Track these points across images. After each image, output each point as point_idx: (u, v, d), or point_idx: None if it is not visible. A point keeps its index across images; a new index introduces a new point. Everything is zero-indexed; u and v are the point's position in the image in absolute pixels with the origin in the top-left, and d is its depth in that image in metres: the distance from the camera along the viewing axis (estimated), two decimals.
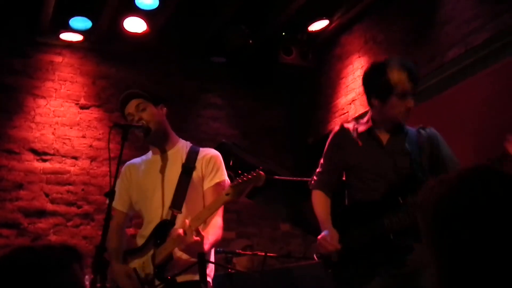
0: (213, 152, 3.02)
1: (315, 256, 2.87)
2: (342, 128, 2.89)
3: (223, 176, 2.93)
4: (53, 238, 5.36)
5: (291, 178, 3.98)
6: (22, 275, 1.31)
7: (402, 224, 2.55)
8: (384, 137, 2.79)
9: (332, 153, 2.89)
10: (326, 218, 2.80)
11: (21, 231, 5.29)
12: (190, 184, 2.88)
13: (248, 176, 2.58)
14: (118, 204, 3.02)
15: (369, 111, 2.88)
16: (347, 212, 2.83)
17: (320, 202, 2.89)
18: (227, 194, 2.63)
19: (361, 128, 2.83)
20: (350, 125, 2.89)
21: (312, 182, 2.95)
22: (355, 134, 2.83)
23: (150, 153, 3.11)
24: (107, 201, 2.90)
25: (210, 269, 2.88)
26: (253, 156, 4.20)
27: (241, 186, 2.60)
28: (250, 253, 3.99)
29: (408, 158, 2.70)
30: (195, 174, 2.90)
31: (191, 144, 3.08)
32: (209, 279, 2.84)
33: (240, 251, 3.95)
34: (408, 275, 2.59)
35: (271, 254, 4.10)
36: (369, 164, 2.74)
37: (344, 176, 2.93)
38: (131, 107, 3.04)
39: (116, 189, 2.80)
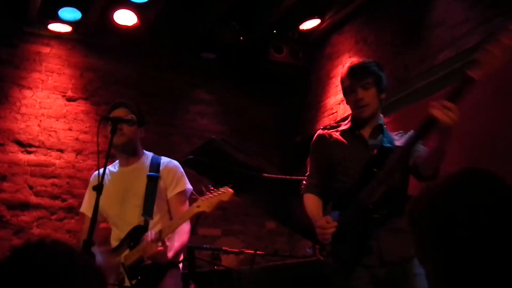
0: (173, 163, 3.25)
1: (307, 249, 2.92)
2: (321, 132, 3.02)
3: (185, 185, 3.18)
4: (36, 231, 5.29)
5: (280, 176, 3.96)
6: (41, 271, 1.17)
7: (376, 191, 2.63)
8: (366, 133, 2.89)
9: (315, 156, 3.01)
10: (318, 213, 2.86)
11: (4, 223, 5.21)
12: (157, 192, 3.12)
13: (218, 192, 2.85)
14: (88, 211, 3.21)
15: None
16: (333, 204, 2.87)
17: (311, 203, 2.95)
18: (198, 206, 2.87)
19: (343, 128, 2.94)
20: (328, 130, 3.01)
21: (303, 187, 3.04)
22: (336, 134, 2.93)
23: (116, 165, 3.31)
24: (82, 205, 3.33)
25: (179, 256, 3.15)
26: (242, 153, 4.17)
27: (211, 200, 2.84)
28: (237, 250, 3.98)
29: (387, 140, 2.80)
30: (161, 183, 3.15)
31: (152, 154, 3.30)
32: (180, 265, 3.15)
33: (227, 248, 3.94)
34: (396, 265, 2.63)
35: (260, 252, 4.09)
36: (353, 156, 2.82)
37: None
38: (117, 113, 3.18)
39: (86, 196, 3.23)
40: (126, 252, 3.01)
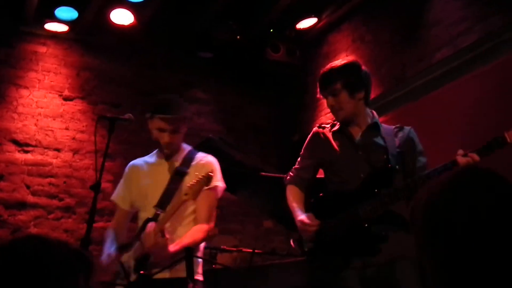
0: (208, 158, 3.13)
1: (291, 241, 2.96)
2: (316, 129, 3.07)
3: (217, 181, 3.03)
4: (33, 230, 5.27)
5: (277, 175, 3.96)
6: (24, 266, 1.21)
7: (376, 212, 2.66)
8: (357, 131, 2.91)
9: (307, 152, 3.06)
10: (300, 207, 2.92)
11: (1, 223, 5.20)
12: (180, 187, 2.96)
13: (200, 178, 2.78)
14: (121, 201, 3.18)
15: None
16: (320, 203, 2.91)
17: (293, 194, 3.01)
18: (185, 194, 2.80)
19: (335, 129, 2.98)
20: (324, 127, 3.05)
21: (288, 177, 3.10)
22: (329, 134, 2.97)
23: (154, 155, 3.21)
24: (113, 194, 3.25)
25: (198, 266, 2.97)
26: (240, 151, 4.18)
27: (195, 187, 2.78)
28: (235, 249, 3.97)
29: (383, 151, 2.80)
30: (187, 179, 2.98)
31: (190, 148, 3.18)
32: (199, 277, 2.95)
33: (225, 247, 3.94)
34: (383, 266, 2.64)
35: (258, 251, 4.09)
36: (342, 157, 2.86)
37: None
38: (167, 126, 3.01)
39: (120, 187, 3.12)
40: (137, 245, 2.91)
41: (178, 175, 3.02)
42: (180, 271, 2.77)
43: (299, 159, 3.10)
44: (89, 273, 1.29)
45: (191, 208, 3.01)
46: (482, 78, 4.41)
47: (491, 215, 1.12)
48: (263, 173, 3.85)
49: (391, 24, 5.42)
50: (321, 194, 2.93)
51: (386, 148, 2.79)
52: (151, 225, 2.84)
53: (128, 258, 2.92)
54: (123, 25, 5.69)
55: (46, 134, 5.62)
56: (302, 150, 3.10)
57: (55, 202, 5.49)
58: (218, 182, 3.06)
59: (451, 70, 4.72)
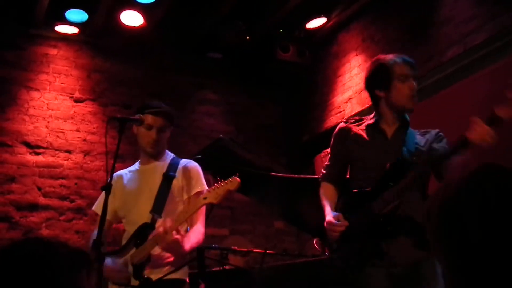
0: (192, 163, 3.23)
1: (314, 242, 2.94)
2: (343, 125, 3.00)
3: (203, 186, 3.12)
4: (45, 232, 5.31)
5: (287, 175, 3.96)
6: (28, 268, 1.24)
7: (388, 203, 2.62)
8: (390, 130, 2.85)
9: (336, 148, 3.00)
10: (330, 206, 2.87)
11: (13, 224, 5.23)
12: (170, 191, 3.08)
13: (224, 182, 2.76)
14: (99, 211, 3.09)
15: (374, 112, 2.96)
16: (344, 202, 2.89)
17: (325, 192, 2.97)
18: (204, 198, 2.80)
19: (367, 123, 2.92)
20: (350, 124, 2.98)
21: (321, 175, 3.06)
22: (360, 129, 2.91)
23: (137, 164, 3.30)
24: (95, 205, 3.30)
25: (185, 270, 3.03)
26: (250, 152, 4.17)
27: (218, 191, 2.75)
28: (246, 250, 3.97)
29: (408, 148, 2.76)
30: (175, 182, 3.10)
31: (173, 156, 3.27)
32: (185, 277, 3.02)
33: (236, 247, 3.94)
34: (409, 266, 2.61)
35: (270, 252, 4.08)
36: (373, 155, 2.81)
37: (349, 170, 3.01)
38: (157, 122, 3.13)
39: (102, 198, 3.00)
40: (133, 251, 2.95)
41: (166, 179, 3.10)
42: (176, 272, 2.90)
43: (329, 154, 3.07)
44: (90, 268, 1.33)
45: (180, 207, 3.08)
46: (492, 76, 4.38)
47: (502, 215, 1.10)
48: (274, 174, 3.85)
49: (401, 23, 5.40)
50: (344, 195, 2.92)
51: (410, 145, 2.77)
52: (163, 223, 2.82)
53: (125, 259, 2.97)
54: (133, 27, 5.71)
55: (57, 136, 5.65)
56: (330, 147, 3.06)
57: (66, 203, 5.51)
58: (205, 185, 3.13)
59: (462, 68, 4.70)
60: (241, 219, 6.19)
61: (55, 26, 5.74)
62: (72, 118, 5.76)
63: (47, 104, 5.69)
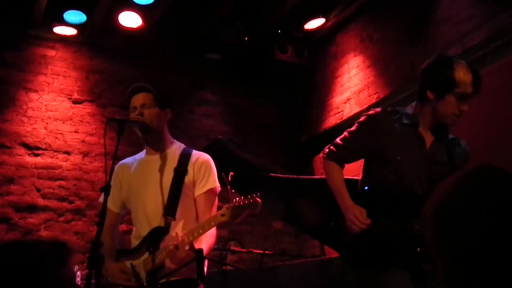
0: (205, 156, 3.03)
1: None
2: (381, 114, 2.75)
3: (215, 182, 2.96)
4: (44, 233, 5.30)
5: (286, 175, 3.96)
6: (16, 270, 1.26)
7: None
8: (429, 139, 2.71)
9: (367, 135, 2.75)
10: (346, 192, 2.71)
11: (12, 226, 5.22)
12: (183, 190, 2.90)
13: (245, 201, 2.51)
14: (111, 204, 3.03)
15: (415, 107, 2.77)
16: (373, 198, 2.71)
17: (337, 173, 2.80)
18: (222, 215, 2.57)
19: (405, 121, 2.72)
20: (390, 115, 2.75)
21: (328, 151, 2.84)
22: (397, 125, 2.71)
23: (143, 153, 3.13)
24: (101, 196, 2.95)
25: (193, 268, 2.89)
26: (249, 153, 4.18)
27: (238, 210, 2.52)
28: (246, 250, 3.97)
29: (447, 168, 2.63)
30: (186, 179, 2.93)
31: (184, 146, 3.09)
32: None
33: (236, 248, 3.93)
34: (430, 272, 2.51)
35: (269, 252, 4.08)
36: (408, 161, 2.65)
37: (366, 160, 2.82)
38: (137, 100, 3.00)
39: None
40: (145, 255, 2.81)
41: (178, 175, 2.92)
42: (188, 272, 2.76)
43: (347, 136, 2.80)
44: (72, 256, 1.36)
45: (191, 202, 2.94)
46: (491, 76, 4.38)
47: (497, 217, 1.09)
48: (272, 174, 3.85)
49: (399, 23, 5.40)
50: (372, 189, 2.74)
51: (450, 165, 2.64)
52: (176, 237, 2.66)
53: (138, 264, 2.85)
54: (131, 28, 5.71)
55: (56, 137, 5.64)
56: (358, 129, 2.77)
57: (65, 204, 5.51)
58: (217, 182, 2.98)
59: None
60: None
61: (53, 27, 5.74)
62: (70, 119, 5.76)
63: (45, 105, 5.68)
